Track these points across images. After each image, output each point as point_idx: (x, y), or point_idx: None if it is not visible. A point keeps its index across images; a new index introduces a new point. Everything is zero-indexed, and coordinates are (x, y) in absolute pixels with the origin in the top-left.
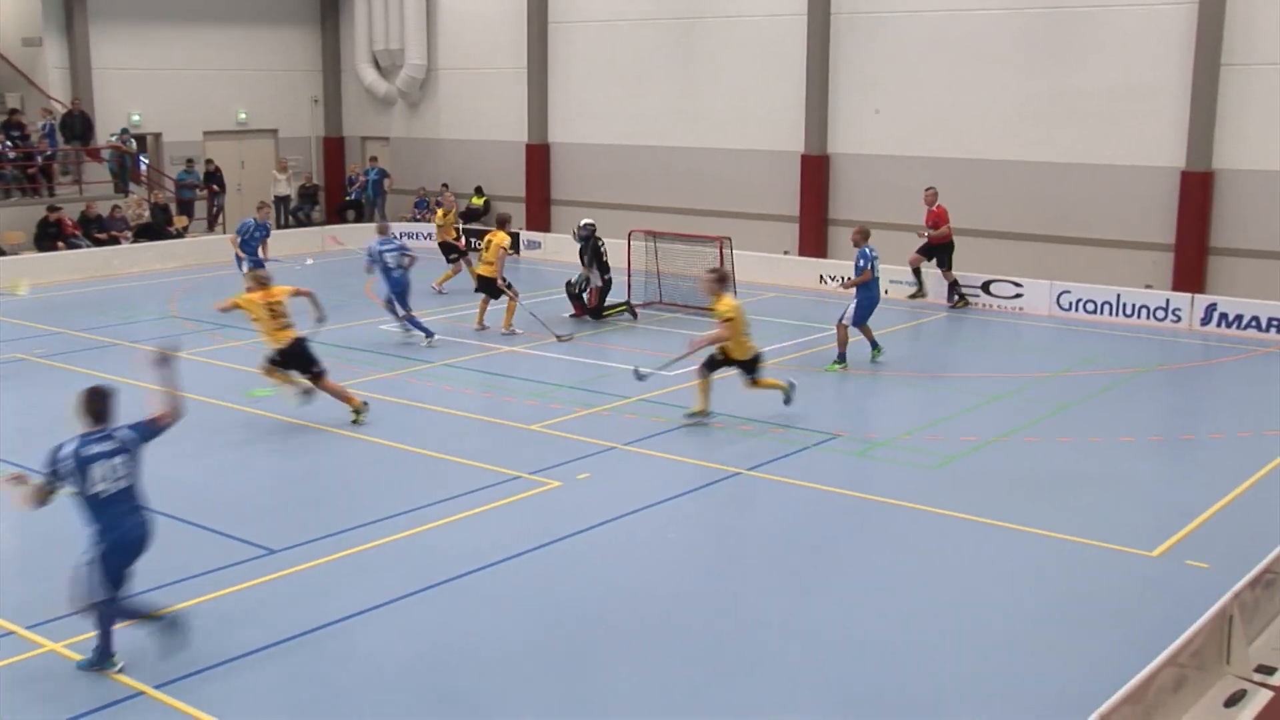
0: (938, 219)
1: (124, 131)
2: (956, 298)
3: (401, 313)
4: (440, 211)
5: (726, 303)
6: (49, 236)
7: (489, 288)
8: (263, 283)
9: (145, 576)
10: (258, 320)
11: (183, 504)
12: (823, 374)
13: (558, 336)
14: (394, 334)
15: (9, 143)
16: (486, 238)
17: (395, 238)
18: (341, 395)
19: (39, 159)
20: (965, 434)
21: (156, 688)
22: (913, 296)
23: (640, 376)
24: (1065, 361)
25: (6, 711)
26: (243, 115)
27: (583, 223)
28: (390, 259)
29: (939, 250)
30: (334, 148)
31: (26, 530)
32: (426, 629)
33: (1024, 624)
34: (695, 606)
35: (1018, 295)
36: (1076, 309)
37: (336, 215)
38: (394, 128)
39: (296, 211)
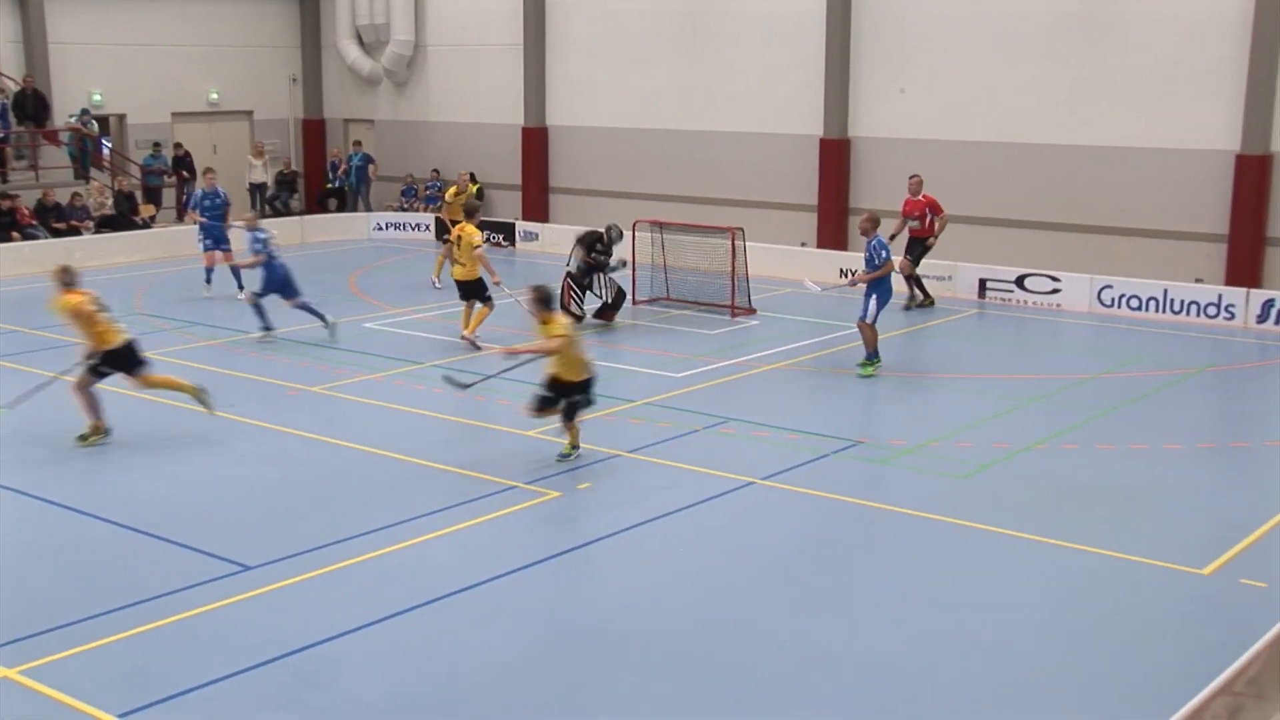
0: (931, 209)
1: (84, 112)
2: (921, 296)
3: (253, 297)
4: (454, 189)
5: (559, 323)
6: (2, 226)
7: (471, 291)
8: (70, 282)
9: (111, 596)
10: (87, 323)
11: (149, 517)
12: (844, 377)
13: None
14: (382, 332)
15: None
16: (455, 231)
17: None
18: (173, 385)
19: None
20: (997, 440)
21: (121, 716)
22: (921, 305)
23: (460, 385)
24: (1107, 362)
25: None
26: (214, 95)
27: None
28: (273, 248)
29: (917, 246)
30: (314, 131)
31: None
32: (415, 652)
33: (1063, 647)
34: (705, 626)
35: (1055, 290)
36: (1119, 305)
37: (317, 204)
38: (379, 109)
39: (273, 200)
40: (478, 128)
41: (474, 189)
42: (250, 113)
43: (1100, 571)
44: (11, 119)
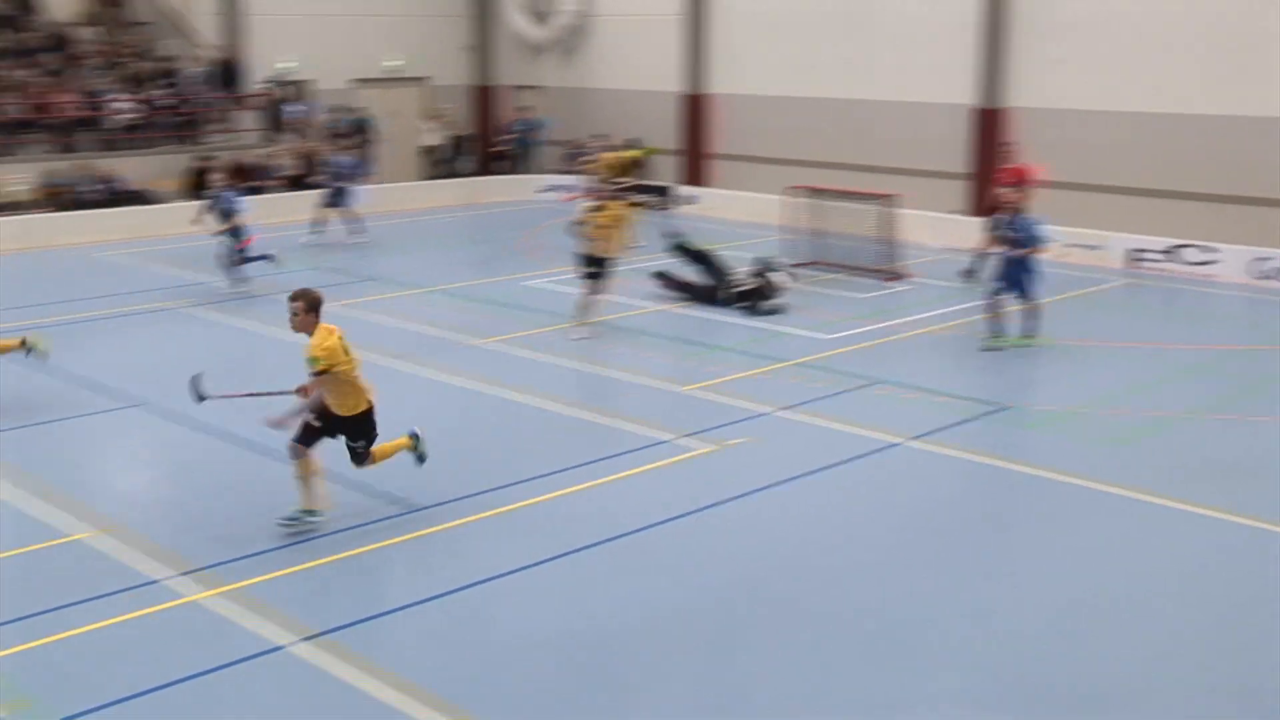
0: (1022, 178)
1: (277, 79)
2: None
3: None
4: (608, 154)
5: (318, 340)
6: (201, 186)
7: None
8: None
9: (280, 532)
10: None
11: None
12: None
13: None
14: (541, 290)
15: (160, 91)
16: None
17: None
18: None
19: (192, 106)
20: (1149, 408)
21: (305, 639)
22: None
23: (200, 395)
24: (1264, 334)
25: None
26: (396, 62)
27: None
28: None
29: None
30: (484, 96)
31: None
32: (568, 597)
33: (1213, 619)
34: (851, 582)
35: (1208, 262)
36: (1278, 278)
37: (487, 167)
38: (546, 76)
39: (445, 162)
40: (641, 94)
41: (632, 155)
42: (424, 79)
43: (1255, 543)
44: (210, 86)
